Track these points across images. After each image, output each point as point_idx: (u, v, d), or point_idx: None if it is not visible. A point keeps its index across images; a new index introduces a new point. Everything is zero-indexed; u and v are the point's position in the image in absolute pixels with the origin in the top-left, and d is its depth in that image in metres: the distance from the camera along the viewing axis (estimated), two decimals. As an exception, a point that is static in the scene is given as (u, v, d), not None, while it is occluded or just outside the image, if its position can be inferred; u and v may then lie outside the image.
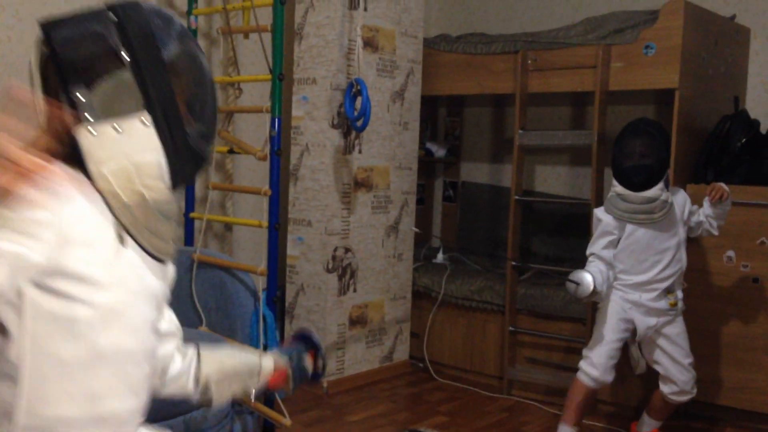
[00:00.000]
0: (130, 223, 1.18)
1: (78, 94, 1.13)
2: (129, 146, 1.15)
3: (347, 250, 3.76)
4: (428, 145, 4.80)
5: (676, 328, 2.97)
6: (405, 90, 4.01)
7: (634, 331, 2.97)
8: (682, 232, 2.96)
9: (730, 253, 3.34)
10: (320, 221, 3.68)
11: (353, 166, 3.74)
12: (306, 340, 1.68)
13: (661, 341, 2.97)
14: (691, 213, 2.99)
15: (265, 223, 3.05)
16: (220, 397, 1.54)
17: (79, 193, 1.11)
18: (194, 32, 3.47)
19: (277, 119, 3.04)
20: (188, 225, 3.51)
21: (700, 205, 3.02)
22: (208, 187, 3.41)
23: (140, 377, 1.25)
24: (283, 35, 3.07)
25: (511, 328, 3.83)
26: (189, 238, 3.50)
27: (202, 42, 3.69)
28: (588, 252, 2.99)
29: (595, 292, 2.81)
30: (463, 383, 3.97)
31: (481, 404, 3.70)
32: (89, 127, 1.13)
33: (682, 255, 2.97)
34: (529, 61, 3.79)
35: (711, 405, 3.43)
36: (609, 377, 2.96)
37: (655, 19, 3.45)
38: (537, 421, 3.50)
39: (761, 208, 3.29)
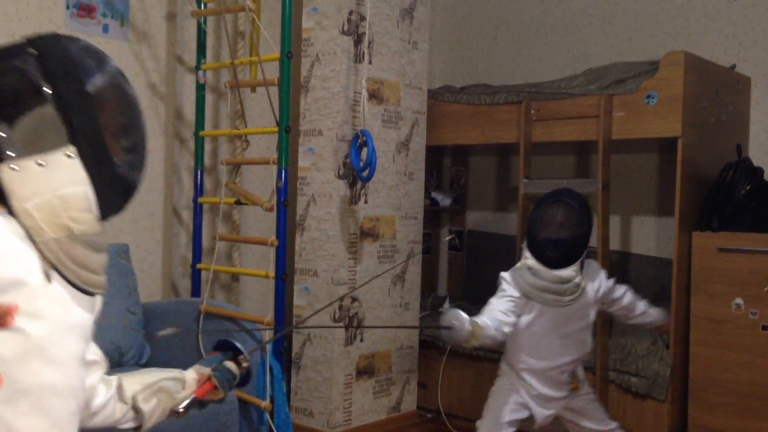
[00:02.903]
0: (56, 259, 1.16)
1: None
2: (54, 180, 1.14)
3: (354, 299, 3.75)
4: (434, 194, 4.83)
5: (581, 402, 2.73)
6: (410, 140, 4.06)
7: (530, 420, 2.72)
8: (591, 315, 2.69)
9: (738, 300, 3.33)
10: (327, 271, 3.69)
11: (359, 216, 3.77)
12: (227, 348, 1.64)
13: (573, 417, 2.74)
14: (606, 293, 2.70)
15: (272, 274, 3.06)
16: (152, 415, 1.51)
17: (3, 230, 1.11)
18: (202, 86, 3.54)
19: (283, 170, 3.08)
20: (195, 276, 3.52)
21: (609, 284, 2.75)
22: (215, 237, 3.43)
23: (65, 413, 1.22)
24: (290, 88, 3.13)
25: (519, 378, 3.79)
26: (196, 289, 3.51)
27: (209, 96, 3.76)
28: (485, 308, 2.65)
29: (474, 334, 2.40)
30: (472, 434, 3.91)
31: (490, 456, 3.64)
32: (11, 164, 1.11)
33: (588, 339, 2.70)
34: (533, 111, 3.84)
35: (724, 456, 3.37)
36: None
37: (656, 69, 3.51)
38: (547, 473, 3.44)
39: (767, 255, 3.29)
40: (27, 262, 1.13)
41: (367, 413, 3.86)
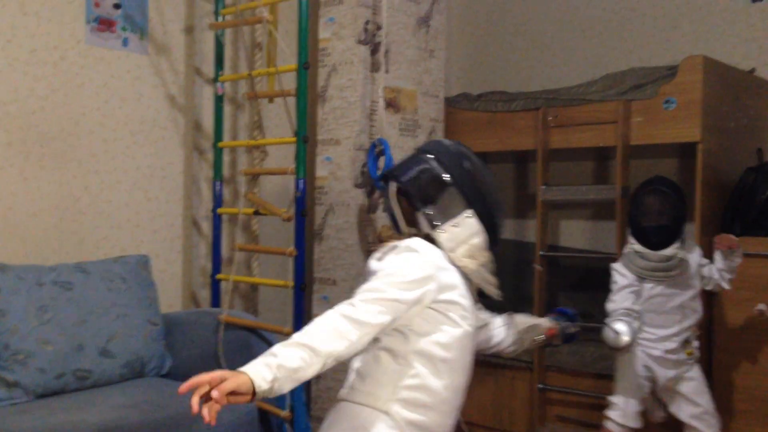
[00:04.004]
0: (481, 280, 1.90)
1: (427, 210, 1.83)
2: (464, 234, 1.81)
3: (373, 308, 3.75)
4: (452, 202, 4.82)
5: (694, 373, 3.02)
6: (427, 149, 4.05)
7: (653, 383, 3.03)
8: (697, 284, 3.01)
9: (761, 306, 3.29)
10: (345, 280, 3.69)
11: (378, 224, 3.77)
12: (564, 314, 2.37)
13: (681, 388, 3.00)
14: (701, 266, 3.02)
15: (291, 284, 3.07)
16: (523, 343, 2.27)
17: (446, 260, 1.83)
18: (221, 98, 3.57)
19: (301, 180, 3.09)
20: (214, 286, 3.54)
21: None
22: (234, 248, 3.45)
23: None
24: (307, 98, 3.15)
25: (540, 386, 3.77)
26: (215, 299, 3.53)
27: (228, 107, 3.79)
28: (613, 307, 3.00)
29: (629, 344, 2.84)
30: (493, 443, 3.89)
31: (512, 465, 3.63)
32: (439, 229, 1.81)
33: (698, 306, 3.02)
34: (550, 118, 3.83)
35: (749, 464, 3.33)
36: (637, 424, 3.03)
37: (674, 74, 3.48)
38: (569, 482, 3.42)
39: (791, 260, 3.25)
40: (456, 279, 1.84)
41: (388, 422, 3.84)
